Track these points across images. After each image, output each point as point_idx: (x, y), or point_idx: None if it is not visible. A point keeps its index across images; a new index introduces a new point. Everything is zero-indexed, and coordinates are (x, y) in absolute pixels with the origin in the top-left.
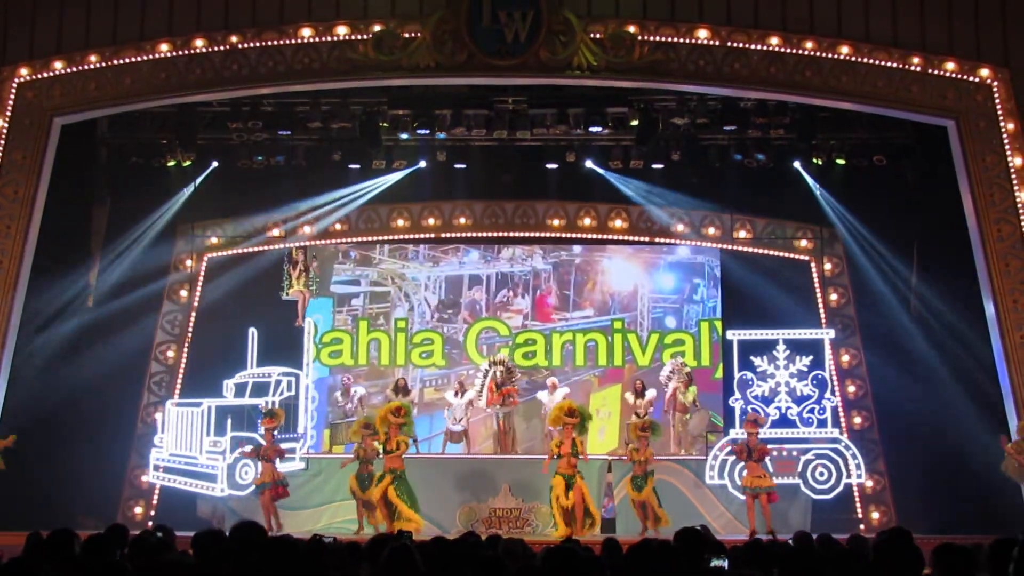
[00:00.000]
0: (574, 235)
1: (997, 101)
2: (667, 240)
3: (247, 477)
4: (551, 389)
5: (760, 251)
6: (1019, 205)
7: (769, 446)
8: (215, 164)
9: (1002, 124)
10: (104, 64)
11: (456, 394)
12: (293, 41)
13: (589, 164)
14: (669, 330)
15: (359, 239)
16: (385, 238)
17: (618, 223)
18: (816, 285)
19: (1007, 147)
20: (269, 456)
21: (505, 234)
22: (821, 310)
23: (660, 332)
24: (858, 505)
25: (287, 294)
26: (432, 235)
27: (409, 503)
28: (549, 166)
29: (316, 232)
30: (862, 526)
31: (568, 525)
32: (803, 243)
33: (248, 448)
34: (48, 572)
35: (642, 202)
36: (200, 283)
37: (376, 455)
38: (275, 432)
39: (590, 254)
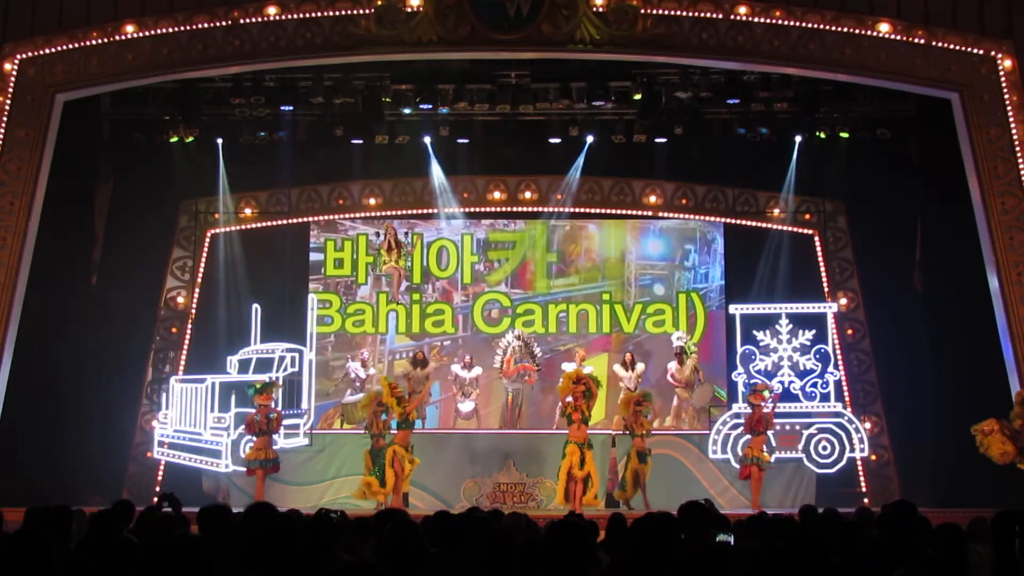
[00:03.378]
0: (575, 209)
1: (1001, 73)
2: (670, 215)
3: None
4: (578, 361)
5: (763, 225)
6: (1023, 178)
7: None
8: (221, 141)
9: (1006, 96)
10: (106, 40)
11: (464, 367)
12: (295, 16)
13: (591, 139)
14: (655, 299)
15: (364, 215)
16: (390, 213)
17: (621, 197)
18: (820, 259)
19: (1011, 119)
20: (265, 431)
21: (508, 208)
22: (824, 284)
23: (643, 303)
24: (862, 479)
25: (380, 270)
26: (435, 210)
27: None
28: (552, 140)
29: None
30: (866, 500)
31: (568, 497)
32: (807, 216)
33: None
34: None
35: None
36: (203, 259)
37: (388, 429)
38: (270, 407)
39: (576, 220)
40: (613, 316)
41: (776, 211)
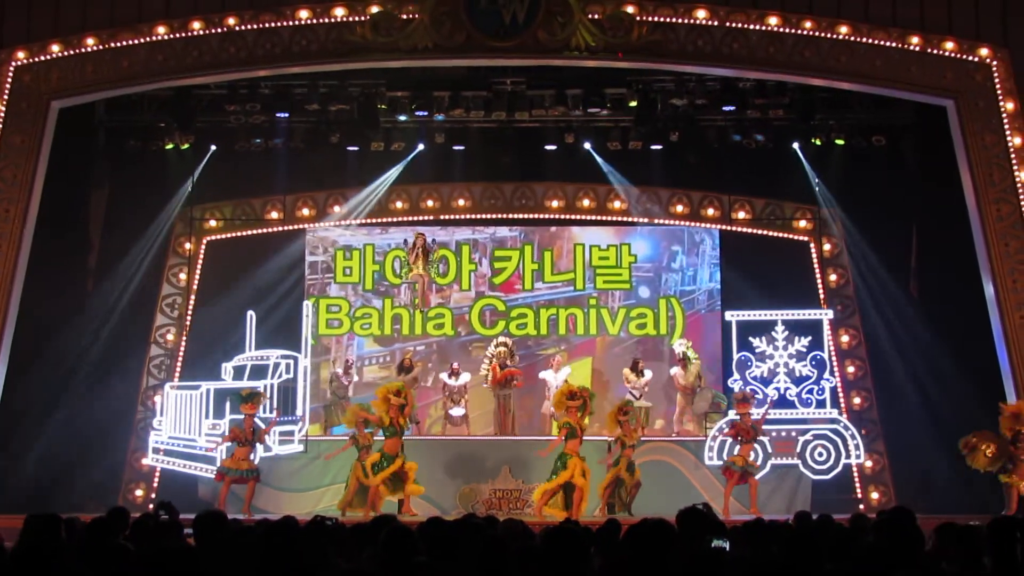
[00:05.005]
0: (573, 216)
1: (996, 81)
2: (666, 222)
3: None
4: (556, 368)
5: (759, 232)
6: (1018, 185)
7: (764, 426)
8: (214, 148)
9: (1001, 104)
10: (101, 47)
11: (451, 375)
12: (290, 23)
13: (587, 146)
14: (640, 302)
15: (359, 221)
16: (385, 220)
17: (617, 204)
18: (815, 265)
19: (1006, 127)
20: (248, 441)
21: (504, 215)
22: (820, 290)
23: (626, 307)
24: (858, 485)
25: (406, 278)
26: (431, 217)
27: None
28: (548, 147)
29: (318, 216)
30: (862, 506)
31: (567, 507)
32: (802, 223)
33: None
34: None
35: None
36: (199, 266)
37: (371, 441)
38: (255, 417)
39: (566, 224)
40: (599, 319)
41: (806, 223)
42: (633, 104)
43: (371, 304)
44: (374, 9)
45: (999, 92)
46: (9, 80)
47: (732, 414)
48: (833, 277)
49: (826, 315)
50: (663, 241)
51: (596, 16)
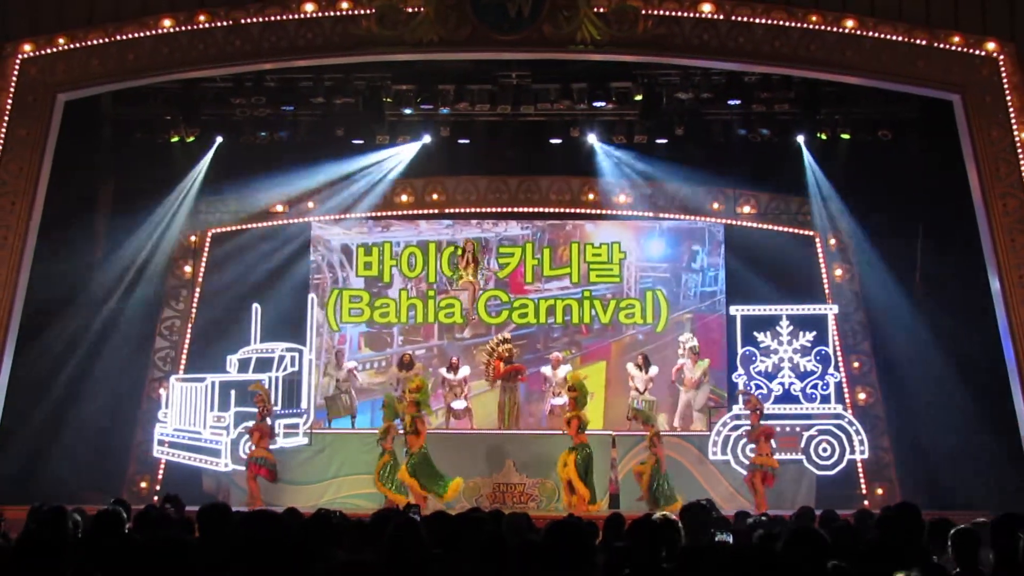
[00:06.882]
0: (577, 210)
1: (1003, 75)
2: (671, 216)
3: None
4: (555, 364)
5: (764, 226)
6: None
7: (769, 424)
8: (219, 140)
9: (1008, 98)
10: (107, 40)
11: (449, 370)
12: (296, 16)
13: (592, 140)
14: (631, 294)
15: (364, 215)
16: (390, 213)
17: (622, 198)
18: (821, 260)
19: (1013, 121)
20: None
21: (509, 209)
22: (825, 285)
23: (616, 299)
24: (862, 481)
25: (456, 285)
26: (436, 210)
27: (425, 482)
28: (553, 141)
29: (323, 209)
30: (866, 502)
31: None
32: (808, 218)
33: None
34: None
35: (645, 177)
36: (204, 258)
37: (396, 433)
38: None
39: (574, 219)
40: (592, 309)
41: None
42: (638, 98)
43: (386, 295)
44: (379, 2)
45: (1006, 87)
46: (15, 73)
47: (737, 408)
48: (839, 272)
49: (831, 310)
50: (685, 240)
51: (601, 10)
